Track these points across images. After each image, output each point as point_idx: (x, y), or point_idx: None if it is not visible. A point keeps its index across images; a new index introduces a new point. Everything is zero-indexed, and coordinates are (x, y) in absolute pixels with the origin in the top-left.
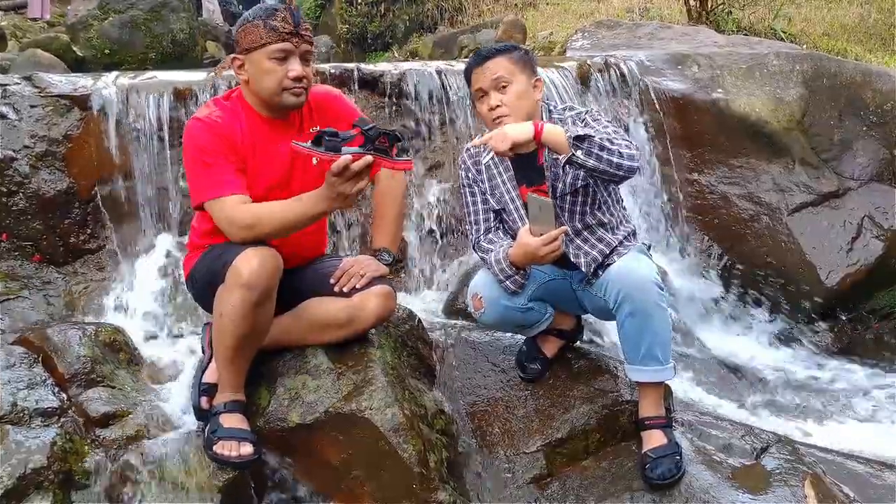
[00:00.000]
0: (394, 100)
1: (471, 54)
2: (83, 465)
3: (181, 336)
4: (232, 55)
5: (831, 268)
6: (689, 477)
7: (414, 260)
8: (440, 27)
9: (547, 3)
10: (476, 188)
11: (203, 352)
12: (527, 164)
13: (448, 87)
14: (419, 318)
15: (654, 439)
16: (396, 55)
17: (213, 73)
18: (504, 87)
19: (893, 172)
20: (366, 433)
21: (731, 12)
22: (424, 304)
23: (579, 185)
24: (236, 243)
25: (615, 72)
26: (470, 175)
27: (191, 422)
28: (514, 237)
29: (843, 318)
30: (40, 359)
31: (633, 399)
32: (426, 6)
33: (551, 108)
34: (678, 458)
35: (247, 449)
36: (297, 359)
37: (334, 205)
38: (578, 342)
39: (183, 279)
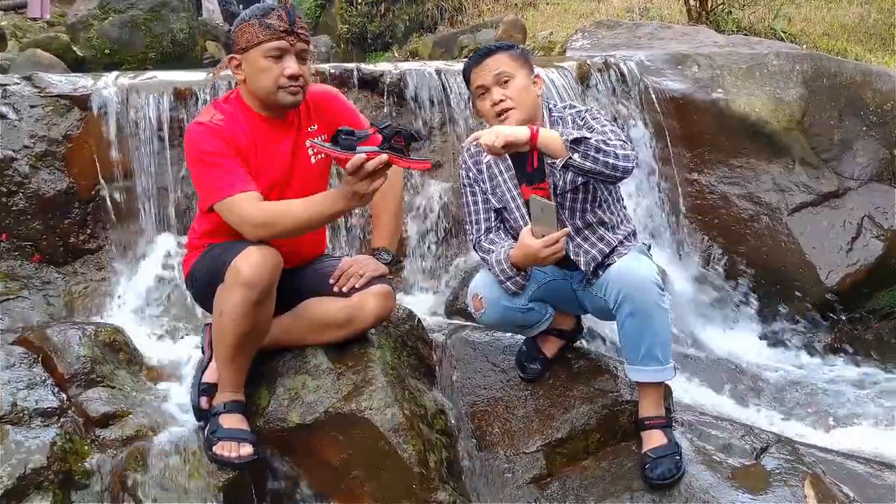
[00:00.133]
0: (393, 100)
1: (470, 54)
2: (83, 465)
3: (181, 336)
4: (229, 55)
5: (831, 268)
6: (689, 477)
7: (414, 260)
8: (440, 27)
9: (547, 3)
10: (477, 188)
11: (203, 352)
12: (526, 163)
13: (448, 87)
14: (419, 318)
15: (653, 439)
16: (396, 55)
17: (211, 73)
18: (506, 81)
19: (893, 172)
20: (366, 433)
21: (731, 12)
22: (424, 304)
23: (580, 183)
24: (241, 242)
25: (615, 72)
26: (471, 174)
27: (190, 422)
28: (515, 237)
29: (843, 317)
30: (40, 359)
31: (633, 399)
32: (426, 6)
33: (550, 106)
34: (678, 458)
35: (246, 450)
36: (297, 359)
37: (351, 204)
38: (578, 342)
39: (182, 279)
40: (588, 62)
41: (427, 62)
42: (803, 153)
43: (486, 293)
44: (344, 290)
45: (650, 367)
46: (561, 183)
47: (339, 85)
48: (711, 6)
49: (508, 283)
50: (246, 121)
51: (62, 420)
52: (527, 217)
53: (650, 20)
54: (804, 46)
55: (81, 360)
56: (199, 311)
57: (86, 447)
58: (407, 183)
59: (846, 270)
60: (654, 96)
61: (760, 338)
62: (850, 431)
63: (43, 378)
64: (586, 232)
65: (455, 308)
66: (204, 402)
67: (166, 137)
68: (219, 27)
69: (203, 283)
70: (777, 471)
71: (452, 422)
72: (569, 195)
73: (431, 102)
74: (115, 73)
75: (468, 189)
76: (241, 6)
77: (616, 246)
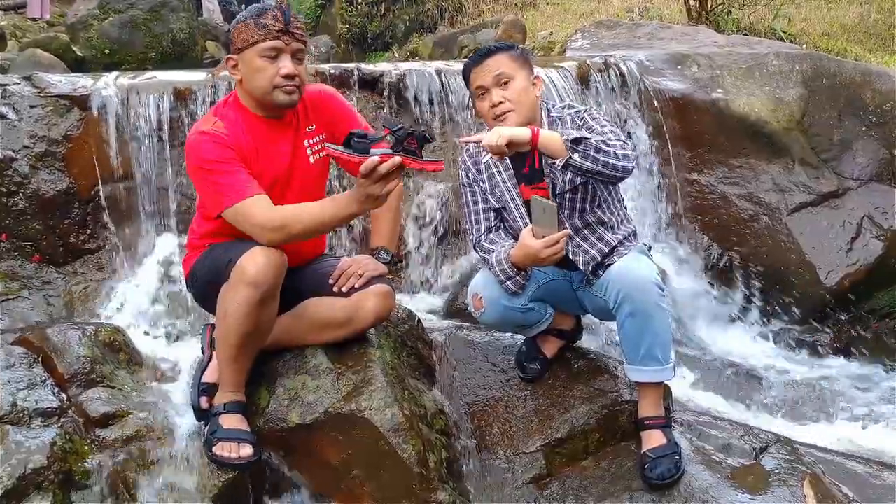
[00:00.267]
0: (393, 100)
1: (470, 54)
2: (83, 465)
3: (181, 336)
4: (227, 55)
5: (831, 268)
6: (689, 477)
7: (414, 260)
8: (440, 27)
9: (547, 3)
10: (476, 188)
11: (202, 352)
12: (525, 163)
13: (448, 88)
14: (419, 318)
15: (653, 439)
16: (396, 55)
17: (211, 74)
18: (506, 83)
19: (893, 172)
20: (365, 433)
21: (730, 12)
22: (424, 304)
23: (579, 183)
24: (244, 241)
25: (615, 72)
26: (470, 175)
27: (190, 422)
28: (514, 236)
29: (843, 317)
30: (40, 359)
31: (633, 399)
32: (426, 6)
33: (549, 107)
34: (677, 458)
35: (246, 450)
36: (297, 359)
37: (364, 206)
38: (578, 342)
39: (183, 279)
40: (588, 62)
41: (427, 62)
42: (803, 153)
43: (486, 293)
44: (344, 290)
45: (650, 367)
46: (560, 183)
47: (339, 85)
48: (711, 6)
49: (508, 282)
50: (245, 124)
51: (62, 420)
52: (526, 217)
53: (650, 20)
54: (804, 46)
55: (81, 361)
56: (199, 311)
57: (86, 447)
58: (407, 183)
59: (846, 270)
60: (653, 96)
61: (760, 338)
62: (850, 431)
63: (43, 378)
64: (585, 232)
65: (455, 308)
66: (204, 402)
67: (166, 137)
68: (219, 27)
69: (204, 282)
70: (776, 471)
71: (452, 422)
72: (568, 195)
73: (431, 103)
74: (114, 74)
75: (468, 189)
76: (241, 6)
77: (616, 246)
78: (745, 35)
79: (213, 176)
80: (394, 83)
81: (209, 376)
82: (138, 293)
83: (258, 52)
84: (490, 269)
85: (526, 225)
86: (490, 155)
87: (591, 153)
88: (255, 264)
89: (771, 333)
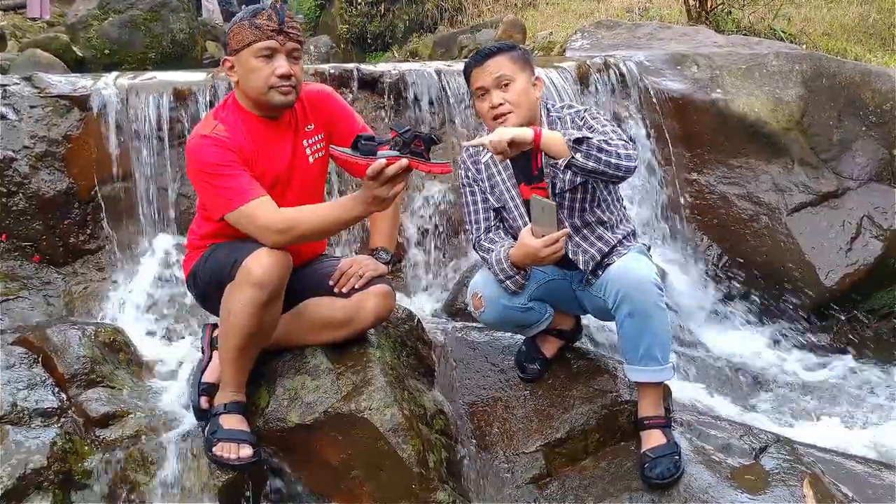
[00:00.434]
0: (393, 100)
1: (470, 54)
2: (83, 465)
3: (180, 336)
4: (223, 57)
5: (830, 268)
6: (688, 477)
7: (413, 260)
8: (440, 27)
9: (547, 3)
10: (476, 187)
11: (202, 352)
12: (525, 163)
13: (447, 88)
14: (418, 318)
15: (653, 439)
16: (396, 55)
17: (210, 74)
18: (506, 85)
19: (892, 172)
20: (365, 433)
21: (730, 12)
22: (424, 303)
23: (578, 183)
24: (247, 242)
25: (614, 72)
26: (469, 174)
27: (190, 422)
28: (514, 236)
29: (842, 317)
30: (40, 359)
31: (633, 399)
32: (426, 6)
33: (549, 107)
34: (677, 457)
35: (246, 451)
36: (297, 359)
37: (371, 208)
38: (577, 342)
39: (183, 279)
40: (587, 62)
41: (427, 62)
42: (802, 153)
43: (486, 292)
44: (344, 290)
45: (649, 367)
46: (560, 182)
47: (339, 85)
48: (711, 6)
49: (508, 282)
50: (245, 126)
51: (62, 420)
52: (525, 216)
53: (650, 20)
54: (804, 46)
55: (81, 361)
56: (199, 311)
57: (86, 447)
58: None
59: (845, 270)
60: (653, 96)
61: (759, 337)
62: (850, 431)
63: (43, 378)
64: (585, 231)
65: (455, 308)
66: (204, 401)
67: (166, 138)
68: (218, 27)
69: (206, 282)
70: (776, 471)
71: (452, 422)
72: (567, 195)
73: (431, 103)
74: (114, 74)
75: (467, 189)
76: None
77: (615, 245)
78: (745, 35)
79: (215, 180)
80: (393, 83)
81: (209, 376)
82: (138, 293)
83: (253, 53)
84: (490, 268)
85: (525, 224)
86: (490, 154)
87: (594, 153)
88: (261, 265)
89: (770, 333)
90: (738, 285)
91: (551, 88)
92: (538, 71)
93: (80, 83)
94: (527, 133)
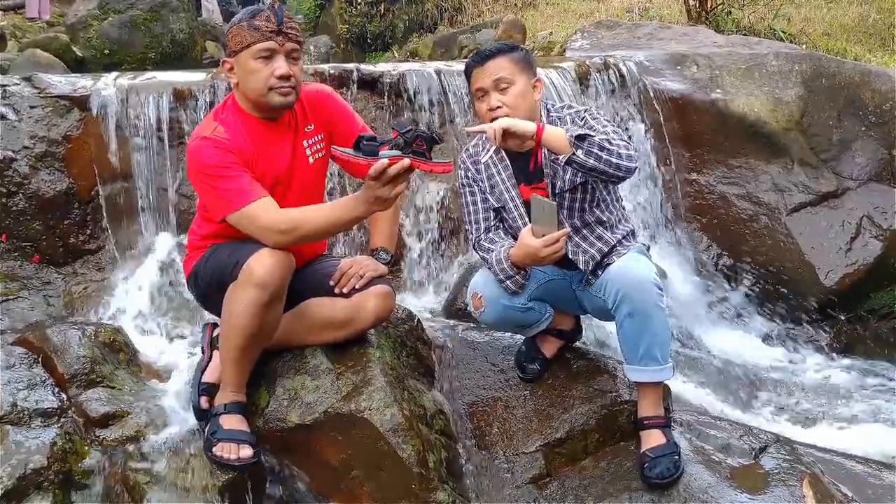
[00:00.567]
0: (393, 100)
1: (471, 54)
2: (83, 465)
3: (180, 336)
4: (223, 58)
5: (830, 268)
6: (688, 476)
7: (414, 260)
8: (440, 27)
9: (546, 3)
10: (476, 187)
11: (203, 352)
12: (525, 163)
13: (447, 88)
14: (418, 319)
15: (652, 439)
16: (396, 55)
17: (210, 74)
18: (504, 88)
19: (892, 172)
20: (365, 433)
21: (730, 12)
22: (424, 304)
23: (578, 183)
24: (249, 242)
25: (614, 72)
26: (469, 174)
27: (190, 422)
28: (514, 236)
29: (842, 317)
30: (40, 359)
31: (632, 399)
32: (426, 6)
33: (549, 107)
34: (677, 457)
35: (246, 452)
36: (297, 359)
37: (373, 208)
38: (577, 342)
39: (183, 279)
40: (587, 62)
41: (427, 63)
42: (802, 153)
43: (486, 292)
44: (344, 290)
45: (649, 367)
46: (560, 182)
47: (339, 85)
48: (711, 6)
49: (508, 282)
50: (245, 127)
51: (62, 420)
52: (525, 216)
53: (650, 20)
54: (804, 46)
55: (81, 361)
56: (199, 311)
57: (86, 447)
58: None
59: (845, 270)
60: (653, 96)
61: (759, 337)
62: (849, 431)
63: (43, 378)
64: (584, 231)
65: (455, 308)
66: (204, 402)
67: (165, 138)
68: (218, 27)
69: (207, 282)
70: (776, 470)
71: (451, 422)
72: (567, 195)
73: (431, 103)
74: (114, 74)
75: (467, 189)
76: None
77: (615, 245)
78: (745, 35)
79: (215, 181)
80: (393, 83)
81: (209, 376)
82: (138, 293)
83: (252, 54)
84: (490, 268)
85: (525, 225)
86: (490, 154)
87: (595, 151)
88: (263, 266)
89: (770, 333)
90: (738, 285)
91: (551, 88)
92: (538, 71)
93: (80, 83)
94: (529, 126)
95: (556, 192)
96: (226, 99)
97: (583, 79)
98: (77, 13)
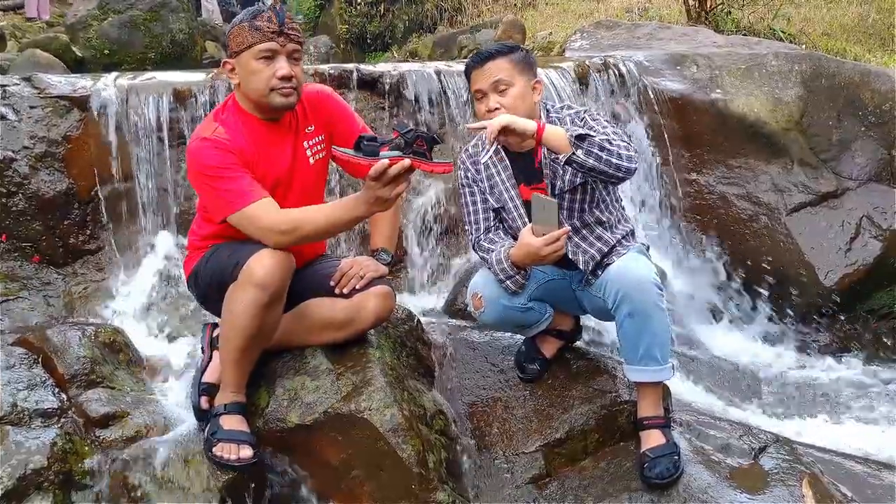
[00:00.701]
0: (393, 101)
1: (470, 54)
2: (83, 465)
3: (181, 336)
4: (224, 59)
5: (830, 268)
6: (688, 477)
7: (413, 260)
8: (440, 27)
9: (546, 3)
10: (475, 187)
11: (203, 352)
12: (524, 163)
13: (447, 88)
14: (418, 319)
15: (652, 439)
16: (396, 55)
17: (210, 75)
18: (503, 90)
19: (892, 173)
20: (365, 433)
21: (730, 12)
22: (424, 304)
23: (578, 183)
24: (249, 243)
25: (614, 72)
26: (469, 174)
27: (190, 422)
28: (514, 236)
29: (842, 317)
30: (40, 359)
31: (632, 399)
32: (426, 6)
33: (548, 107)
34: (676, 457)
35: (246, 452)
36: (296, 359)
37: (373, 208)
38: (577, 342)
39: (183, 280)
40: (587, 62)
41: (426, 63)
42: (802, 153)
43: (486, 292)
44: (345, 291)
45: (649, 367)
46: (559, 183)
47: (339, 86)
48: (711, 6)
49: (508, 281)
50: (245, 128)
51: (62, 420)
52: (525, 216)
53: (649, 20)
54: (803, 46)
55: (81, 361)
56: (199, 311)
57: (86, 447)
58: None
59: (845, 270)
60: (652, 97)
61: (759, 337)
62: (849, 431)
63: (43, 379)
64: (584, 231)
65: (454, 308)
66: (204, 402)
67: (165, 138)
68: (218, 27)
69: (207, 283)
70: (775, 471)
71: (451, 422)
72: (567, 195)
73: (431, 103)
74: (114, 74)
75: (467, 189)
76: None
77: (614, 245)
78: (745, 35)
79: (215, 182)
80: (393, 84)
81: (209, 376)
82: (138, 293)
83: (253, 55)
84: (490, 268)
85: (525, 225)
86: (489, 155)
87: (595, 150)
88: (263, 266)
89: (770, 333)
90: (738, 285)
91: (550, 89)
92: (538, 72)
93: (80, 83)
94: (529, 124)
95: (556, 192)
96: (226, 100)
97: (582, 79)
98: (77, 13)
